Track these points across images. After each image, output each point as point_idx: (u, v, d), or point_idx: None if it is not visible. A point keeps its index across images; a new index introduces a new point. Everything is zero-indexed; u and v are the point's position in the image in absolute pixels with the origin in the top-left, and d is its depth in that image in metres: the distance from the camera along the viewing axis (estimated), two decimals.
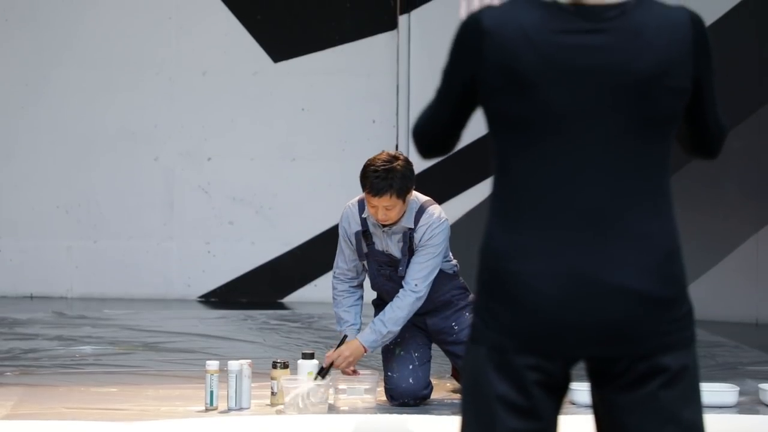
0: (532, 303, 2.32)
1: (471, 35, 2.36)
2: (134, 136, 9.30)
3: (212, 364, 5.10)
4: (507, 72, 2.32)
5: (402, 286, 5.17)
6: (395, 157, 5.15)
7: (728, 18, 8.56)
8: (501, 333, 2.34)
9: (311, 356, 5.27)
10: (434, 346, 5.49)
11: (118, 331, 7.74)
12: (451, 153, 2.54)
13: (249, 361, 5.22)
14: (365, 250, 5.24)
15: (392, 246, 5.20)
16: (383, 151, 5.27)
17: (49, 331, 7.66)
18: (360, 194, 5.27)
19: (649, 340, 2.33)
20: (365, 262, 5.30)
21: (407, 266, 5.17)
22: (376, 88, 9.31)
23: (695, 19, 2.37)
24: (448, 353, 5.44)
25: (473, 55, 2.35)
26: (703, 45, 2.38)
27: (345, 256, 5.35)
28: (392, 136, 9.28)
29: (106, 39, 9.28)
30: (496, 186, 2.39)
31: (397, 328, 5.16)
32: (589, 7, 2.32)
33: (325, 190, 9.31)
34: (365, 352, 5.20)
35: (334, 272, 5.43)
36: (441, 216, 5.18)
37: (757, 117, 8.52)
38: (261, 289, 9.36)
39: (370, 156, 5.18)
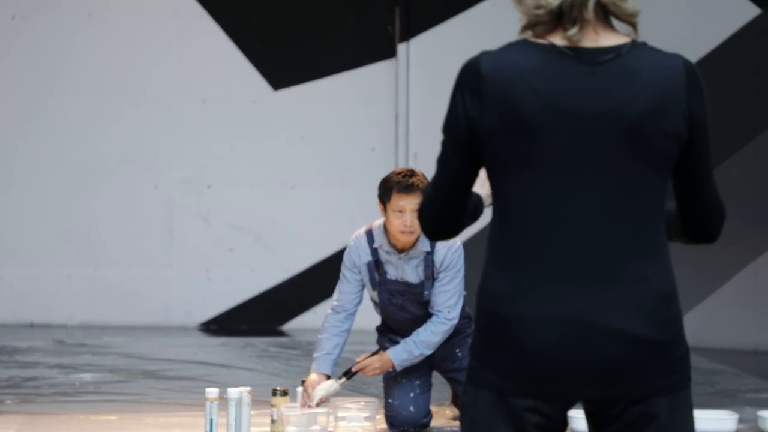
0: (530, 346, 2.33)
1: (470, 79, 2.39)
2: (134, 164, 9.33)
3: (212, 392, 5.11)
4: (505, 115, 2.34)
5: (420, 316, 5.20)
6: (412, 169, 5.29)
7: (726, 45, 8.61)
8: (500, 376, 2.36)
9: None
10: (434, 372, 5.50)
11: (118, 359, 7.75)
12: (459, 232, 2.51)
13: (249, 388, 5.23)
14: (377, 279, 5.26)
15: (409, 272, 5.22)
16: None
17: (49, 359, 7.67)
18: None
19: (645, 383, 2.35)
20: (376, 292, 5.30)
21: (431, 291, 5.20)
22: (375, 116, 9.34)
23: (689, 67, 2.39)
24: (450, 380, 5.45)
25: (472, 99, 2.37)
26: (698, 94, 2.39)
27: (347, 288, 5.34)
28: (391, 164, 9.31)
29: (106, 66, 9.32)
30: (495, 227, 2.41)
31: (428, 352, 5.22)
32: (585, 50, 2.35)
33: (325, 217, 9.33)
34: (393, 368, 5.23)
35: (333, 303, 5.43)
36: (456, 238, 5.23)
37: (755, 144, 8.55)
38: (261, 316, 9.37)
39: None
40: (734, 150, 8.45)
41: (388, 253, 5.22)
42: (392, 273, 5.23)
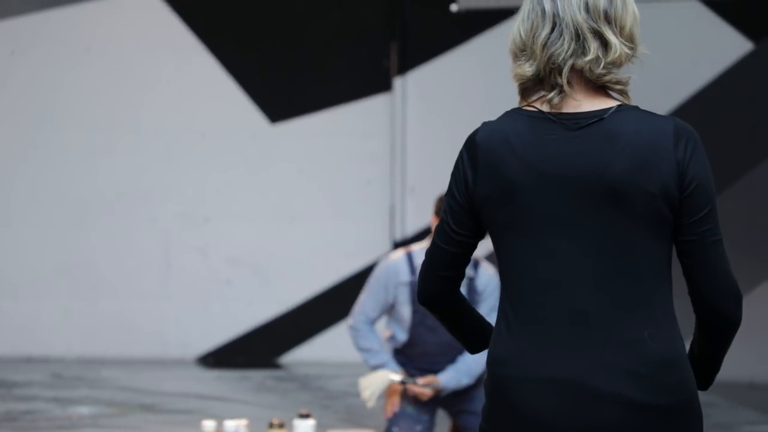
0: (527, 410, 2.35)
1: (468, 148, 2.44)
2: (132, 198, 9.36)
3: (209, 425, 5.13)
4: (493, 181, 2.38)
5: (447, 341, 5.23)
6: None
7: (718, 82, 8.67)
8: None
9: (307, 416, 5.29)
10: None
11: (115, 392, 7.76)
12: (449, 302, 2.54)
13: (245, 421, 5.24)
14: (414, 299, 5.28)
15: None
16: None
17: (47, 393, 7.68)
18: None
19: None
20: (410, 312, 5.31)
21: None
22: (371, 149, 9.39)
23: (680, 129, 2.36)
24: (453, 414, 5.43)
25: (470, 167, 2.43)
26: (690, 153, 2.35)
27: (373, 305, 5.35)
28: (388, 197, 9.35)
29: (105, 101, 9.37)
30: (500, 289, 2.46)
31: (472, 382, 5.24)
32: (568, 115, 2.38)
33: (322, 250, 9.36)
34: (441, 392, 5.28)
35: (357, 317, 5.39)
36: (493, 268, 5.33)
37: (749, 177, 8.60)
38: (258, 349, 9.39)
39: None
40: (729, 184, 8.49)
41: None
42: None
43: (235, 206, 9.40)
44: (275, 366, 9.22)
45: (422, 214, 9.07)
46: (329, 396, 8.03)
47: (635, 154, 2.33)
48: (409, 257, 5.32)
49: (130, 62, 9.36)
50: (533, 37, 2.38)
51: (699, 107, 8.61)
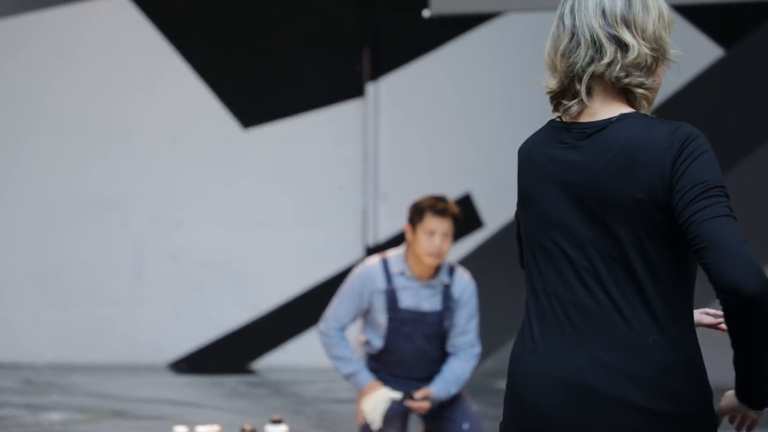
0: (533, 406, 2.43)
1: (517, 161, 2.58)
2: (104, 203, 9.34)
3: (181, 431, 5.12)
4: (519, 189, 2.52)
5: (423, 349, 5.23)
6: (444, 196, 5.40)
7: (689, 88, 8.71)
8: None
9: (280, 422, 5.29)
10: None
11: (87, 399, 7.73)
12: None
13: (218, 427, 5.24)
14: (389, 306, 5.27)
15: (425, 301, 5.26)
16: None
17: (17, 399, 7.65)
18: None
19: None
20: (385, 320, 5.30)
21: (450, 323, 5.24)
22: (344, 155, 9.39)
23: (674, 133, 2.36)
24: (428, 419, 5.42)
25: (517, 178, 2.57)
26: (681, 153, 2.34)
27: (347, 312, 5.33)
28: (360, 203, 9.36)
29: (76, 106, 9.34)
30: (527, 293, 2.54)
31: (460, 390, 5.26)
32: (578, 124, 2.45)
33: (294, 256, 9.35)
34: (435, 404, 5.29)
35: (328, 323, 5.37)
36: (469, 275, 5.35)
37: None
38: (230, 354, 9.37)
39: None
40: None
41: (407, 279, 5.26)
42: (405, 302, 5.27)
43: (207, 211, 9.39)
44: (248, 371, 9.21)
45: (395, 220, 9.08)
46: (302, 402, 8.03)
47: (624, 161, 2.37)
48: (385, 264, 5.31)
49: (103, 68, 9.34)
50: (555, 50, 2.45)
51: (669, 114, 8.64)
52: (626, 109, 2.43)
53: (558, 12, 2.47)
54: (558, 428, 2.39)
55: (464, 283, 5.30)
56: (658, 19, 2.44)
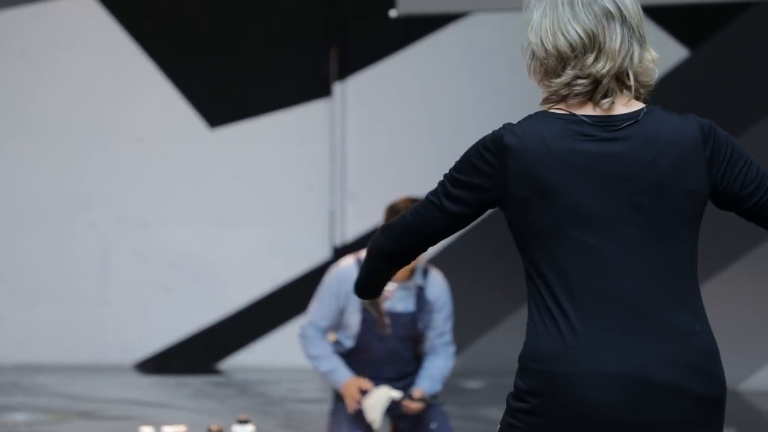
0: (588, 404, 2.37)
1: (495, 152, 2.46)
2: (70, 203, 9.29)
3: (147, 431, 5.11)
4: (532, 183, 2.42)
5: (394, 349, 5.22)
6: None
7: (653, 89, 8.74)
8: None
9: (246, 422, 5.28)
10: None
11: (52, 399, 7.69)
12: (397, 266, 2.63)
13: (184, 427, 5.22)
14: (363, 306, 5.26)
15: (398, 303, 5.25)
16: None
17: None
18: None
19: None
20: (358, 319, 5.29)
21: (424, 324, 5.24)
22: (311, 155, 9.39)
23: (703, 124, 2.47)
24: (396, 418, 5.42)
25: (498, 171, 2.45)
26: (716, 143, 2.46)
27: (326, 313, 5.31)
28: (327, 203, 9.35)
29: (41, 105, 9.29)
30: (535, 292, 2.45)
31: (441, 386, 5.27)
32: (604, 117, 2.45)
33: (261, 256, 9.34)
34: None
35: (307, 327, 5.34)
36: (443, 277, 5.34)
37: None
38: (197, 355, 9.35)
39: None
40: None
41: None
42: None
43: (174, 211, 9.36)
44: (214, 372, 9.19)
45: (362, 220, 9.08)
46: (269, 402, 8.02)
47: (675, 153, 2.43)
48: (359, 264, 5.30)
49: (67, 67, 9.30)
50: (605, 39, 2.45)
51: None
52: (636, 102, 2.48)
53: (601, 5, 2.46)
54: (619, 425, 2.36)
55: (439, 287, 5.28)
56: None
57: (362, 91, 9.31)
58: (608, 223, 2.41)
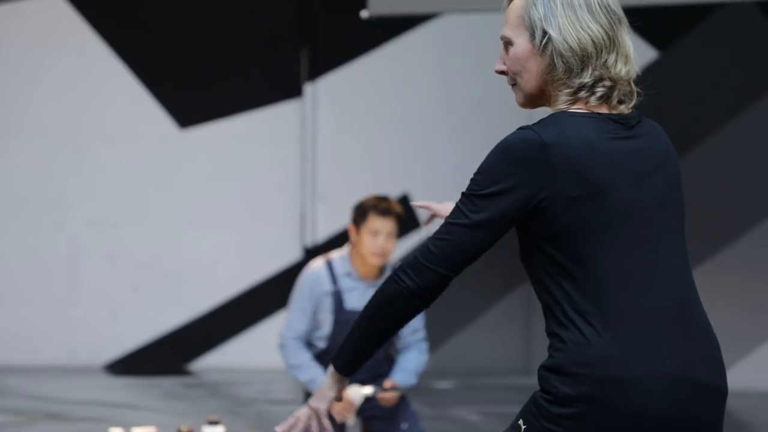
0: (644, 409, 2.37)
1: (533, 152, 2.40)
2: (38, 203, 9.25)
3: None
4: (582, 181, 2.40)
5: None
6: (386, 196, 5.37)
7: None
8: None
9: (216, 423, 5.27)
10: None
11: (21, 401, 7.66)
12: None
13: (154, 428, 5.21)
14: (336, 308, 5.26)
15: None
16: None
17: None
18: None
19: None
20: (331, 321, 5.28)
21: None
22: (282, 155, 9.38)
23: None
24: (367, 418, 5.42)
25: (541, 171, 2.40)
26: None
27: (302, 319, 5.29)
28: (298, 204, 9.35)
29: (10, 105, 9.25)
30: (574, 294, 2.41)
31: (417, 382, 5.31)
32: (619, 115, 2.51)
33: (231, 256, 9.33)
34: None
35: (286, 334, 5.32)
36: None
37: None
38: (167, 356, 9.32)
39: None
40: None
41: (354, 280, 5.24)
42: (351, 303, 5.25)
43: (143, 212, 9.33)
44: (185, 373, 9.17)
45: (333, 220, 9.08)
46: (239, 403, 8.01)
47: (672, 151, 2.56)
48: (330, 266, 5.30)
49: (36, 66, 9.25)
50: (621, 42, 2.55)
51: None
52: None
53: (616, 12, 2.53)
54: (670, 427, 2.38)
55: None
56: None
57: (333, 91, 9.31)
58: (648, 219, 2.44)
